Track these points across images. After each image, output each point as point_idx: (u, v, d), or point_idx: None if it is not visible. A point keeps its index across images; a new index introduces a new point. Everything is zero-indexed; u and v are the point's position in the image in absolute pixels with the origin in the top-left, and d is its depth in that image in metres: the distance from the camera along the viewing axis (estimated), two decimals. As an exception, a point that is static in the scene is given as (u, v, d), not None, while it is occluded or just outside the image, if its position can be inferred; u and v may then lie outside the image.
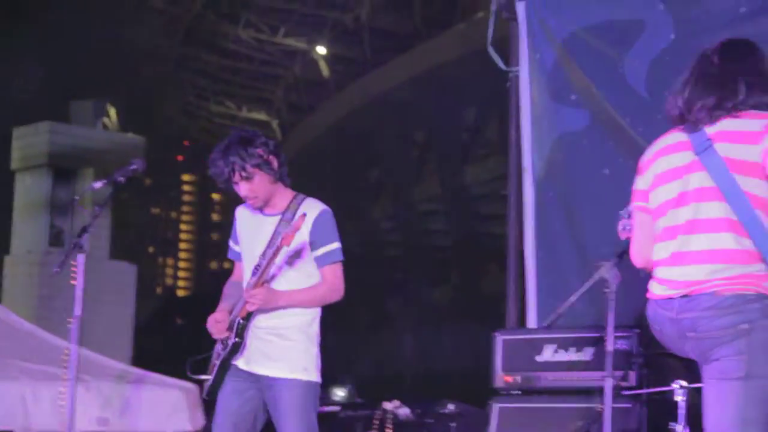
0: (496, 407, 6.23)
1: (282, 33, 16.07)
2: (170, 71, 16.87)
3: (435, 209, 16.83)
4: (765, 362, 3.66)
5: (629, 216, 4.24)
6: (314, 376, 5.00)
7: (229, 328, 4.97)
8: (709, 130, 3.83)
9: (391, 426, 6.01)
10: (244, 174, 4.94)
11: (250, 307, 4.91)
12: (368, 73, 16.71)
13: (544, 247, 7.44)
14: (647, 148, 4.14)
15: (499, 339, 6.38)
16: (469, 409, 6.37)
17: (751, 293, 3.64)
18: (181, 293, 29.18)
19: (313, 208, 5.05)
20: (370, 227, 17.23)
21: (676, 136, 3.97)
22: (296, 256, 4.97)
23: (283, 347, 4.97)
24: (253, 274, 4.99)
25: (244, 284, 5.06)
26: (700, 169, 3.77)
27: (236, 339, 4.93)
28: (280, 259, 4.88)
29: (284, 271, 4.97)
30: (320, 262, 5.01)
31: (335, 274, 5.04)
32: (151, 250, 28.25)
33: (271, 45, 16.35)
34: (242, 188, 4.99)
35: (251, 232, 5.12)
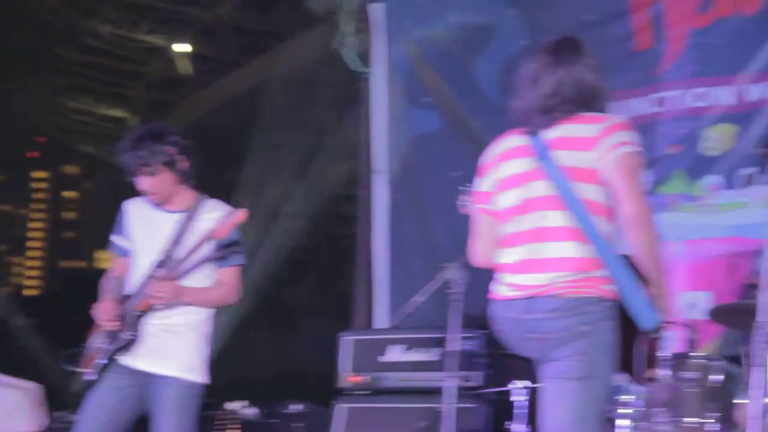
0: (341, 407, 6.22)
1: (143, 29, 15.77)
2: (24, 65, 16.50)
3: (294, 210, 16.75)
4: (602, 363, 3.73)
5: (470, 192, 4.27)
6: (200, 377, 4.89)
7: (119, 321, 4.83)
8: (547, 135, 3.87)
9: (235, 426, 5.94)
10: (148, 169, 4.83)
11: (156, 302, 4.78)
12: (230, 71, 16.52)
13: (396, 248, 7.48)
14: (487, 149, 4.15)
15: (346, 340, 6.37)
16: (316, 409, 6.35)
17: (592, 296, 3.71)
18: (30, 293, 28.42)
19: (219, 209, 4.96)
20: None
21: (516, 140, 3.99)
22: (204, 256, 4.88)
23: (173, 345, 4.85)
24: (157, 269, 4.82)
25: (134, 280, 4.90)
26: (541, 177, 3.81)
27: (131, 334, 4.81)
28: (196, 256, 4.77)
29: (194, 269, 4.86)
30: (223, 263, 4.91)
31: (235, 276, 4.97)
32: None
33: (132, 41, 16.04)
34: (144, 182, 4.87)
35: (148, 229, 4.97)
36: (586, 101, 3.90)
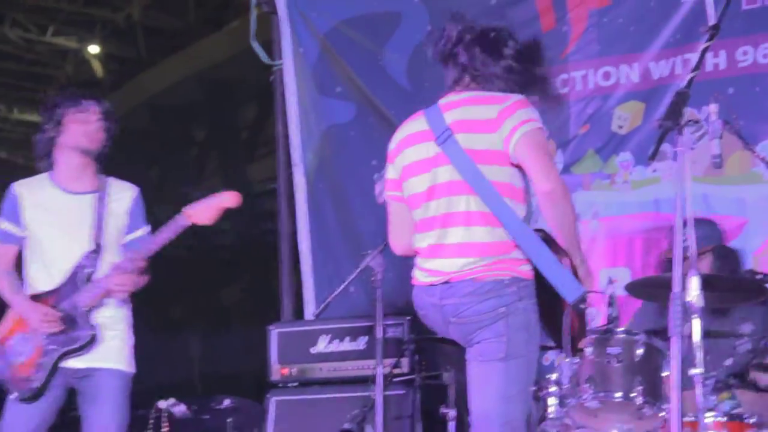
0: (272, 400, 6.23)
1: (51, 32, 15.56)
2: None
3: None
4: (522, 342, 3.79)
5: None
6: (132, 366, 4.86)
7: (64, 321, 4.65)
8: (448, 117, 3.90)
9: (167, 424, 5.93)
10: (109, 124, 4.77)
11: (118, 295, 4.69)
12: (143, 72, 16.37)
13: (318, 239, 7.50)
14: (393, 135, 4.18)
15: (274, 332, 6.39)
16: (247, 403, 6.36)
17: (507, 278, 3.76)
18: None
19: (128, 188, 4.89)
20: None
21: (418, 124, 4.02)
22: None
23: (110, 337, 4.76)
24: (92, 258, 4.70)
25: (55, 270, 4.70)
26: (446, 162, 3.84)
27: (91, 331, 4.66)
28: (154, 244, 4.67)
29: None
30: (135, 246, 4.79)
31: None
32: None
33: (40, 44, 15.82)
34: (96, 126, 4.74)
35: (50, 211, 4.77)
36: (480, 72, 3.95)
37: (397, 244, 4.20)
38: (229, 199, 4.72)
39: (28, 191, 4.85)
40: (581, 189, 6.37)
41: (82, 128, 4.79)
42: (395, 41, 7.20)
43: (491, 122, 3.80)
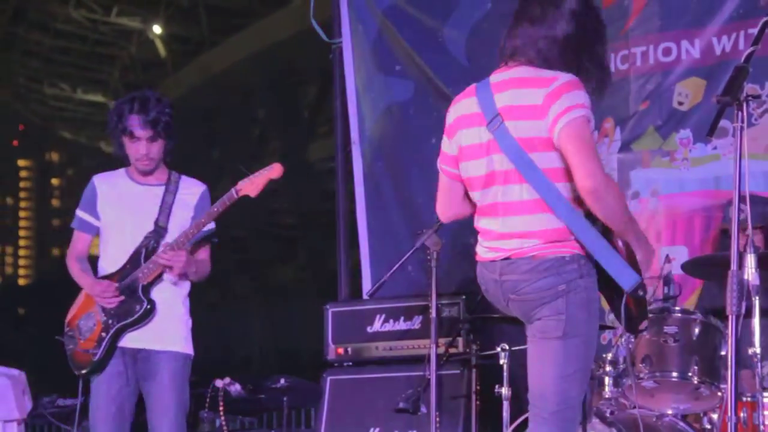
0: (328, 379, 6.25)
1: (115, 12, 15.71)
2: (-1, 54, 16.43)
3: (278, 188, 16.72)
4: (581, 321, 3.74)
5: None
6: (191, 348, 4.97)
7: (123, 295, 4.81)
8: (498, 100, 3.82)
9: (223, 403, 5.96)
10: (151, 133, 4.81)
11: (169, 271, 4.79)
12: (205, 51, 16.48)
13: (376, 218, 7.48)
14: (450, 106, 4.11)
15: (330, 312, 6.39)
16: (302, 382, 6.37)
17: (568, 255, 3.71)
18: (22, 282, 28.47)
19: (197, 185, 5.03)
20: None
21: (469, 105, 3.94)
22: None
23: (168, 319, 4.89)
24: (152, 239, 4.84)
25: (118, 255, 4.87)
26: (498, 151, 3.79)
27: (146, 305, 4.80)
28: (198, 228, 4.79)
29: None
30: (205, 240, 4.98)
31: (211, 253, 5.05)
32: (-11, 238, 27.56)
33: (105, 25, 15.98)
34: (142, 147, 4.84)
35: (125, 202, 4.94)
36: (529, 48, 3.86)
37: (443, 213, 4.18)
38: (273, 170, 4.80)
39: (107, 185, 5.03)
40: (640, 166, 6.29)
41: (134, 154, 4.92)
42: (455, 18, 7.15)
43: (537, 108, 3.72)
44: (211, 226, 4.96)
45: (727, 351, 3.32)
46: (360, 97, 7.55)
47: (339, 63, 7.61)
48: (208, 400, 6.01)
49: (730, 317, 3.26)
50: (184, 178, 5.04)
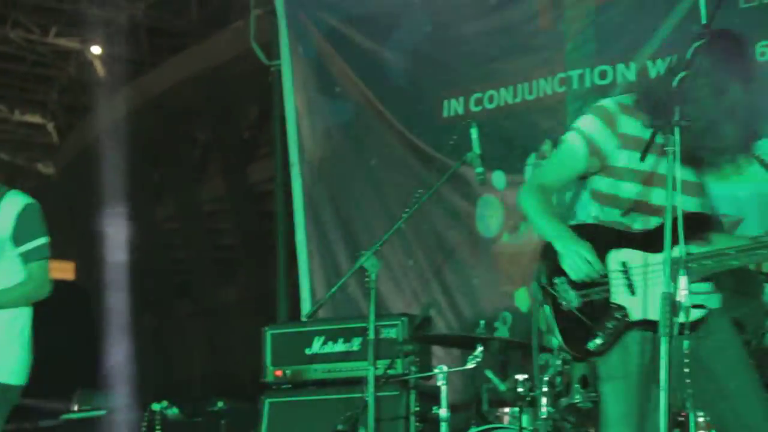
0: (266, 402, 6.21)
1: (53, 33, 15.55)
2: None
3: (220, 209, 16.63)
4: None
5: None
6: (18, 378, 4.68)
7: None
8: None
9: (160, 427, 5.90)
10: None
11: None
12: (145, 72, 16.35)
13: (317, 240, 7.48)
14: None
15: (268, 334, 6.35)
16: (241, 405, 6.33)
17: None
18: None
19: (15, 202, 4.76)
20: (153, 230, 16.88)
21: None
22: None
23: None
24: None
25: None
26: None
27: None
28: None
29: None
30: (26, 258, 4.71)
31: (43, 270, 4.76)
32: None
33: (43, 45, 15.81)
34: None
35: None
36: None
37: None
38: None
39: None
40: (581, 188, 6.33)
41: None
42: (394, 41, 7.19)
43: None
44: (35, 243, 4.78)
45: (660, 371, 3.32)
46: (300, 118, 7.56)
47: (278, 85, 7.61)
48: (144, 424, 5.95)
49: (661, 338, 3.27)
50: (6, 195, 4.78)
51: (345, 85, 7.37)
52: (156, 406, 5.96)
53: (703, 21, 3.59)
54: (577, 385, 4.81)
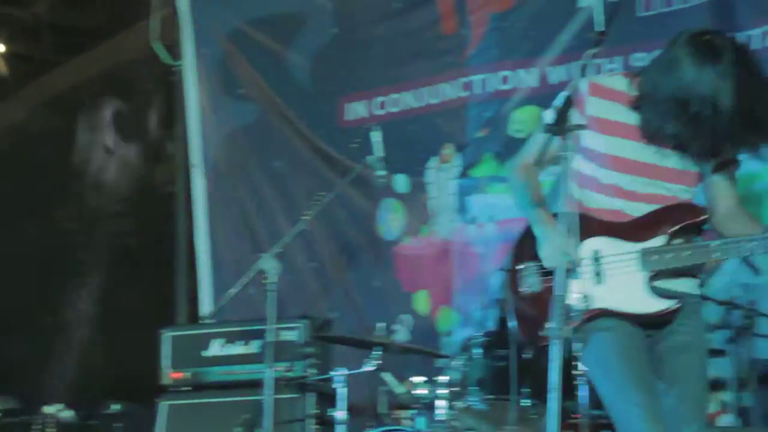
0: (163, 405, 6.14)
1: (-48, 30, 15.20)
2: None
3: (123, 210, 16.39)
4: None
5: None
6: None
7: None
8: None
9: (53, 430, 5.80)
10: None
11: None
12: (49, 71, 16.05)
13: (218, 242, 7.42)
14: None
15: (165, 336, 6.29)
16: (137, 408, 6.25)
17: None
18: None
19: None
20: (54, 230, 16.56)
21: None
22: None
23: None
24: None
25: None
26: None
27: None
28: None
29: None
30: None
31: None
32: None
33: (-59, 42, 15.44)
34: None
35: None
36: None
37: None
38: None
39: None
40: (478, 192, 6.39)
41: None
42: (299, 43, 7.18)
43: None
44: None
45: (550, 374, 3.34)
46: (204, 119, 7.50)
47: (181, 85, 7.55)
48: (37, 427, 5.85)
49: (552, 341, 3.29)
50: None
51: (249, 87, 7.33)
52: (50, 409, 5.85)
53: (599, 29, 3.59)
54: (473, 388, 4.84)
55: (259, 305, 6.89)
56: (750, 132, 3.49)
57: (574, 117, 3.41)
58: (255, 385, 5.65)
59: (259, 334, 6.04)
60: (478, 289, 6.28)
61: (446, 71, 6.56)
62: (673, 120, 3.49)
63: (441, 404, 4.90)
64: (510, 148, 6.31)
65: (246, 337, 6.12)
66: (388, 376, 5.24)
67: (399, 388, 5.17)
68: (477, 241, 6.33)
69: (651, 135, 3.58)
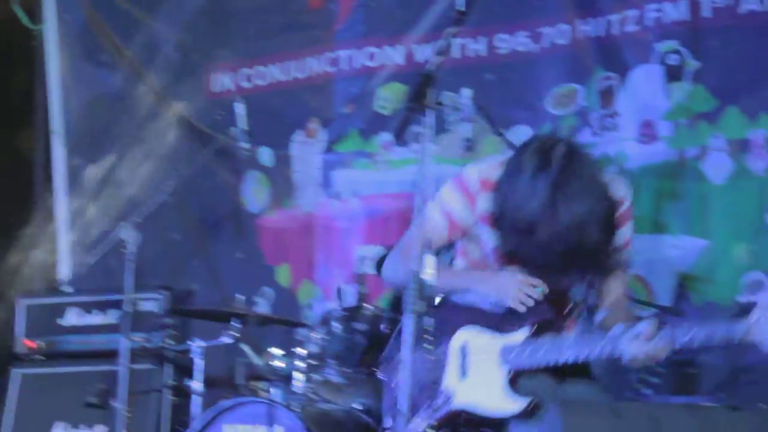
0: (16, 374, 6.05)
1: None
2: None
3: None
4: None
5: None
6: None
7: None
8: None
9: None
10: None
11: None
12: None
13: (77, 210, 7.31)
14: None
15: (21, 303, 6.19)
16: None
17: None
18: None
19: None
20: None
21: None
22: None
23: None
24: None
25: None
26: None
27: None
28: None
29: None
30: None
31: None
32: None
33: None
34: None
35: None
36: None
37: None
38: None
39: None
40: (343, 167, 6.42)
41: None
42: (165, 11, 7.08)
43: None
44: None
45: (402, 350, 3.38)
46: (64, 86, 7.36)
47: (42, 50, 7.40)
48: None
49: (405, 315, 3.34)
50: None
51: (113, 54, 7.21)
52: None
53: (459, 8, 3.64)
54: (331, 360, 4.87)
55: (120, 275, 6.84)
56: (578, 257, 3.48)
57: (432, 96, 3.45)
58: (112, 355, 5.60)
59: (118, 304, 5.98)
60: (340, 264, 6.33)
61: (313, 45, 6.56)
62: (516, 241, 3.54)
63: (298, 376, 4.92)
64: (375, 124, 6.37)
65: (104, 306, 6.06)
66: (246, 348, 5.24)
67: (257, 360, 5.18)
68: (341, 216, 6.37)
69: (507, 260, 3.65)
